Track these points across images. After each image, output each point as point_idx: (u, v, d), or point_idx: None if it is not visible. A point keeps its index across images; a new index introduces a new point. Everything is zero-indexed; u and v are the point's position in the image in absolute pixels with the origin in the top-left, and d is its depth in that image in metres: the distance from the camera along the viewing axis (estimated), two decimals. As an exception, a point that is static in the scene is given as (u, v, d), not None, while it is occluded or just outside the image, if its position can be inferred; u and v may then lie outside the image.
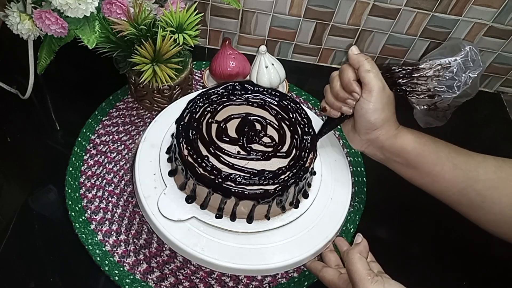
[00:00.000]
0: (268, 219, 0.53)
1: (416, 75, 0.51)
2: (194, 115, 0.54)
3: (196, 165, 0.49)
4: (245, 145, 0.52)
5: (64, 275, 0.56)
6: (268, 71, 0.72)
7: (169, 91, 0.69)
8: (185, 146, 0.51)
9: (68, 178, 0.63)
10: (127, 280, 0.56)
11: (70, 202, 0.61)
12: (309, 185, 0.57)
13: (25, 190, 0.62)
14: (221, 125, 0.54)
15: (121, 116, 0.73)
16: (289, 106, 0.57)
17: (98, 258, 0.57)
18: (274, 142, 0.53)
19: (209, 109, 0.55)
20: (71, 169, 0.64)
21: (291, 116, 0.56)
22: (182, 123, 0.53)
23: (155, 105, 0.71)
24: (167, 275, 0.57)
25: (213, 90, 0.57)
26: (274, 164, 0.51)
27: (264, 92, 0.58)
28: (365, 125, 0.52)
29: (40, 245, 0.57)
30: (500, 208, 0.49)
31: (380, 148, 0.53)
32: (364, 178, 0.72)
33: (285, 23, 0.81)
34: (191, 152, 0.50)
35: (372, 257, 0.54)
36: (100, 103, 0.73)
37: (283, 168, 0.50)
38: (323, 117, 0.57)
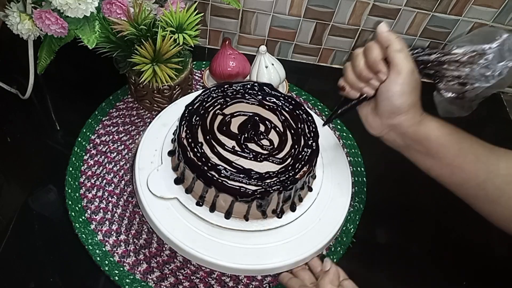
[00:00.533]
0: (247, 220, 0.53)
1: (447, 60, 0.48)
2: (204, 103, 0.55)
3: (188, 148, 0.50)
4: (242, 142, 0.52)
5: (64, 275, 0.56)
6: (268, 71, 0.72)
7: (169, 91, 0.69)
8: (184, 128, 0.52)
9: (68, 178, 0.63)
10: (127, 280, 0.56)
11: (70, 202, 0.61)
12: (301, 199, 0.56)
13: (25, 190, 0.62)
14: (226, 118, 0.54)
15: (121, 116, 0.73)
16: (300, 116, 0.57)
17: (98, 258, 0.57)
18: (272, 146, 0.53)
19: (221, 101, 0.56)
20: (71, 169, 0.64)
21: (299, 126, 0.56)
22: (190, 108, 0.55)
23: (155, 105, 0.71)
24: (167, 275, 0.57)
25: (230, 85, 0.58)
26: (265, 167, 0.51)
27: (280, 98, 0.58)
28: (389, 109, 0.49)
29: (40, 245, 0.57)
30: None
31: (402, 135, 0.50)
32: (364, 178, 0.72)
33: (285, 23, 0.81)
34: (188, 136, 0.51)
35: (344, 275, 0.53)
36: (100, 103, 0.73)
37: (271, 173, 0.50)
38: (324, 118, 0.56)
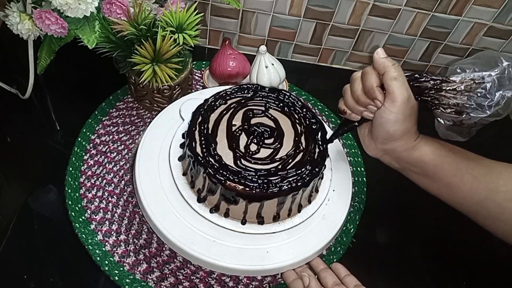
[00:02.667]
0: (243, 223, 0.53)
1: (445, 87, 0.47)
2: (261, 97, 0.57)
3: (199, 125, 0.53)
4: (242, 128, 0.53)
5: (64, 275, 0.56)
6: (268, 71, 0.72)
7: (169, 91, 0.69)
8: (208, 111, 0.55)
9: (68, 178, 0.63)
10: (127, 280, 0.56)
11: (70, 202, 0.61)
12: (300, 206, 0.55)
13: (25, 190, 0.62)
14: (261, 113, 0.55)
15: (121, 116, 0.73)
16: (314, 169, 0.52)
17: (98, 258, 0.57)
18: (250, 153, 0.52)
19: (275, 103, 0.57)
20: (71, 169, 0.64)
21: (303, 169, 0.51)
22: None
23: (155, 105, 0.71)
24: (167, 275, 0.57)
25: (300, 102, 0.58)
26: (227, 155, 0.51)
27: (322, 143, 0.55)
28: (383, 135, 0.49)
29: (40, 245, 0.57)
30: None
31: (397, 159, 0.51)
32: (364, 178, 0.72)
33: (285, 23, 0.81)
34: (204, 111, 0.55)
35: (346, 271, 0.54)
36: (100, 103, 0.73)
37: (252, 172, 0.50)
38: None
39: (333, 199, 0.57)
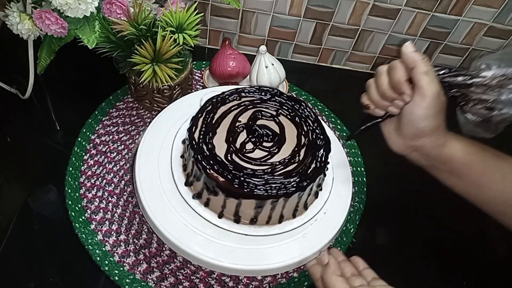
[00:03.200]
0: (237, 222, 0.52)
1: (475, 83, 0.46)
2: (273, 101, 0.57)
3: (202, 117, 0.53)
4: (245, 125, 0.53)
5: (64, 275, 0.56)
6: (268, 71, 0.72)
7: (169, 91, 0.69)
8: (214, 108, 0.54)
9: (68, 178, 0.63)
10: (127, 280, 0.56)
11: (70, 202, 0.61)
12: (286, 216, 0.54)
13: (25, 190, 0.62)
14: (270, 117, 0.55)
15: (121, 116, 0.73)
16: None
17: (98, 258, 0.57)
18: (245, 151, 0.51)
19: (286, 107, 0.56)
20: (71, 169, 0.64)
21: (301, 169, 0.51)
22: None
23: (155, 105, 0.71)
24: (167, 275, 0.57)
25: (306, 105, 0.57)
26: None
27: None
28: (412, 131, 0.48)
29: (40, 245, 0.57)
30: None
31: (425, 156, 0.50)
32: (364, 178, 0.72)
33: (285, 23, 0.81)
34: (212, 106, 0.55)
35: (364, 264, 0.52)
36: (100, 103, 0.73)
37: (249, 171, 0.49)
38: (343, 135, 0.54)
39: (333, 199, 0.57)
